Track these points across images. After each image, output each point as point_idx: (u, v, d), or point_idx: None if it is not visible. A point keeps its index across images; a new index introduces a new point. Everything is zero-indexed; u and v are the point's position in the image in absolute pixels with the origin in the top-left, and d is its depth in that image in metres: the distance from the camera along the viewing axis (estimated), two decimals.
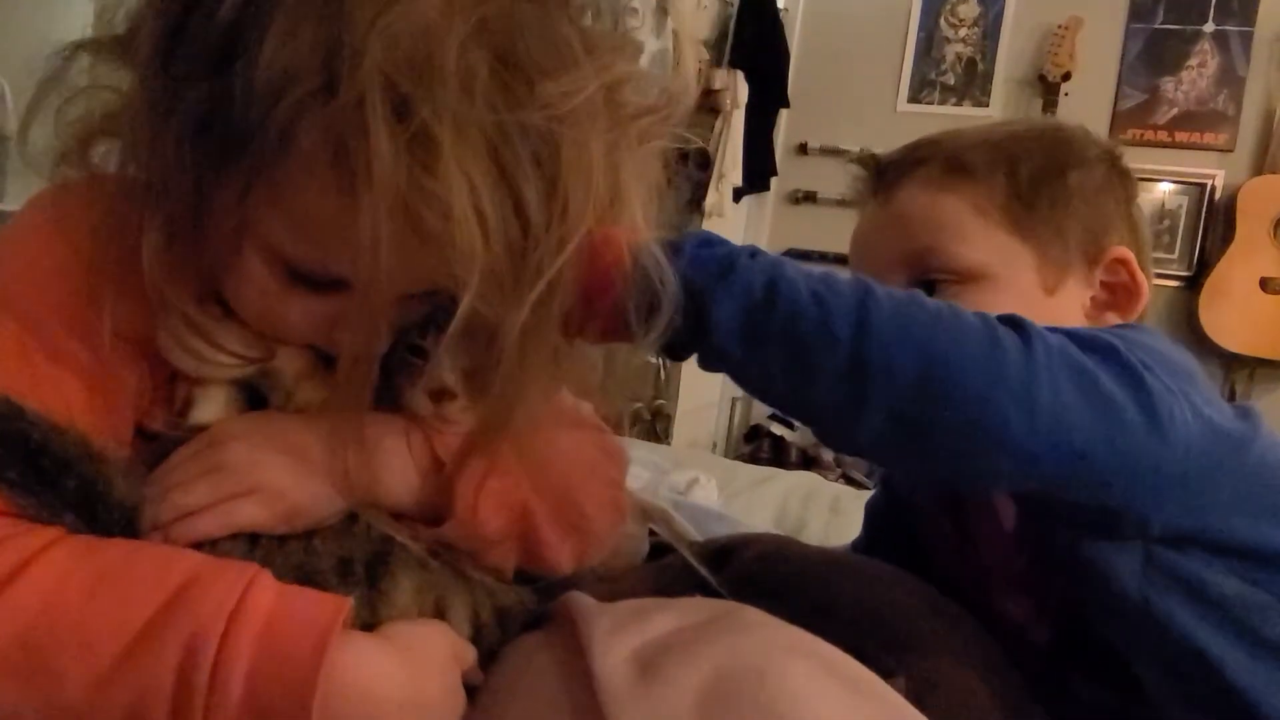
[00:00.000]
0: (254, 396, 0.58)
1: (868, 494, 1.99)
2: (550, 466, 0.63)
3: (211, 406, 0.56)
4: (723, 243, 0.60)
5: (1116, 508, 0.59)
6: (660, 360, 3.57)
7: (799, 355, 0.55)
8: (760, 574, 0.76)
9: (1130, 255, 0.76)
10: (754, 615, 0.57)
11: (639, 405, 3.48)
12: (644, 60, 2.99)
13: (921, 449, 0.57)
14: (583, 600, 0.61)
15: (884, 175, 0.80)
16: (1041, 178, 0.75)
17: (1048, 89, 3.21)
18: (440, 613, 0.57)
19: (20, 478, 0.46)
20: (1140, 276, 0.76)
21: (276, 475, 0.54)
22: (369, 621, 0.53)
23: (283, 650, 0.45)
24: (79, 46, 0.52)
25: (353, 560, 0.54)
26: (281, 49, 0.43)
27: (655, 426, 3.51)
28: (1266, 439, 0.63)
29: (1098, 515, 0.60)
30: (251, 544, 0.53)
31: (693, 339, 0.57)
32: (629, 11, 2.98)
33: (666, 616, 0.57)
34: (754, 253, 0.58)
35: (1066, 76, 3.20)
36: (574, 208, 0.47)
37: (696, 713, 0.48)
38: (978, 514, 0.78)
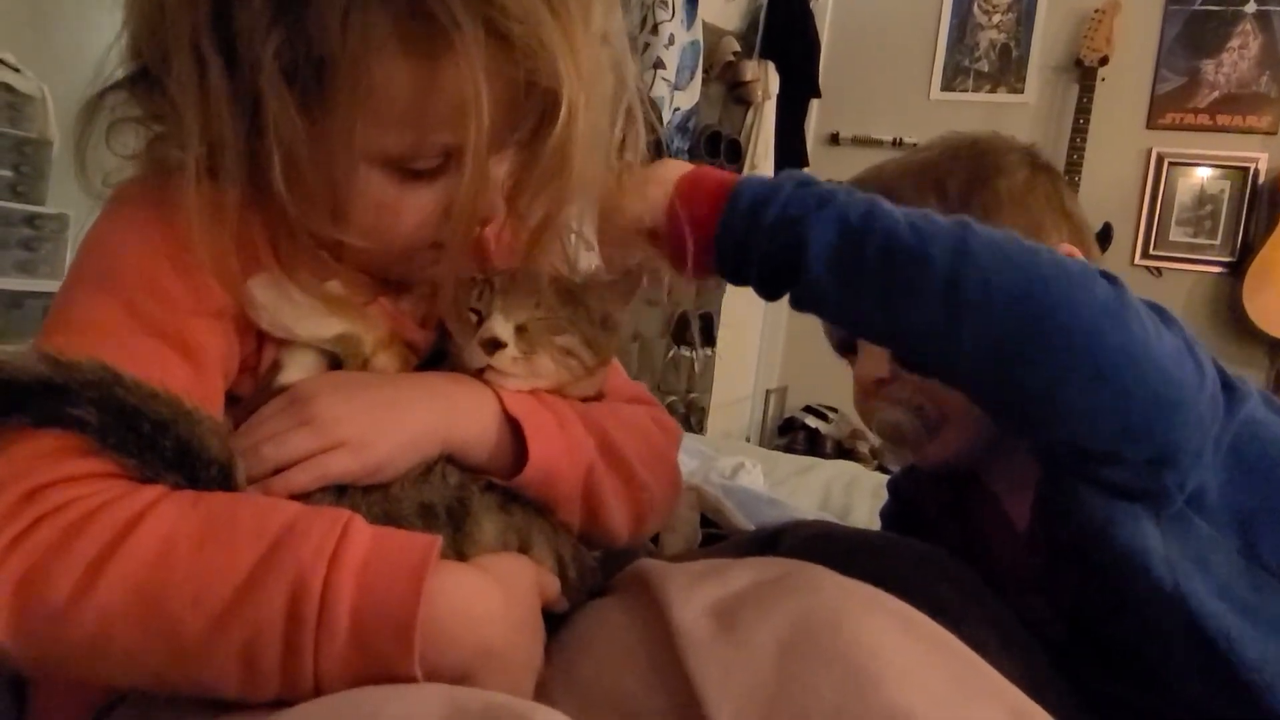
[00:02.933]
0: (335, 366, 0.60)
1: None
2: (604, 431, 0.66)
3: (298, 369, 0.58)
4: (821, 182, 0.63)
5: (1170, 459, 0.59)
6: (693, 353, 3.58)
7: (894, 283, 0.56)
8: (811, 552, 0.76)
9: (1074, 250, 0.75)
10: (826, 573, 0.57)
11: (673, 398, 3.48)
12: (675, 52, 2.99)
13: (1020, 380, 0.56)
14: (653, 563, 0.61)
15: None
16: (969, 191, 0.77)
17: (1084, 74, 3.17)
18: (524, 551, 0.59)
19: (122, 441, 0.48)
20: None
21: (362, 429, 0.55)
22: (455, 559, 0.55)
23: (382, 585, 0.47)
24: (104, 92, 0.56)
25: (434, 505, 0.56)
26: None
27: (689, 419, 3.51)
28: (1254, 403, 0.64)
29: (1145, 470, 0.59)
30: (339, 494, 0.54)
31: (790, 272, 0.59)
32: (660, 4, 2.98)
33: (742, 572, 0.57)
34: (851, 191, 0.61)
35: (1104, 61, 3.15)
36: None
37: (776, 663, 0.49)
38: (987, 519, 0.78)
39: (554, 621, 0.60)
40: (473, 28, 0.48)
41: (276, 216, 0.55)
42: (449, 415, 0.59)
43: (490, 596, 0.52)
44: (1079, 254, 0.75)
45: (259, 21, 0.49)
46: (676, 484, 0.74)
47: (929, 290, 0.56)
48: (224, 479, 0.51)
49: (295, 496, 0.53)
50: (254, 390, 0.58)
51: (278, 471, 0.54)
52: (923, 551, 0.74)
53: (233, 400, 0.58)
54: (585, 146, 0.55)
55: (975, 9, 3.47)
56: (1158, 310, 0.60)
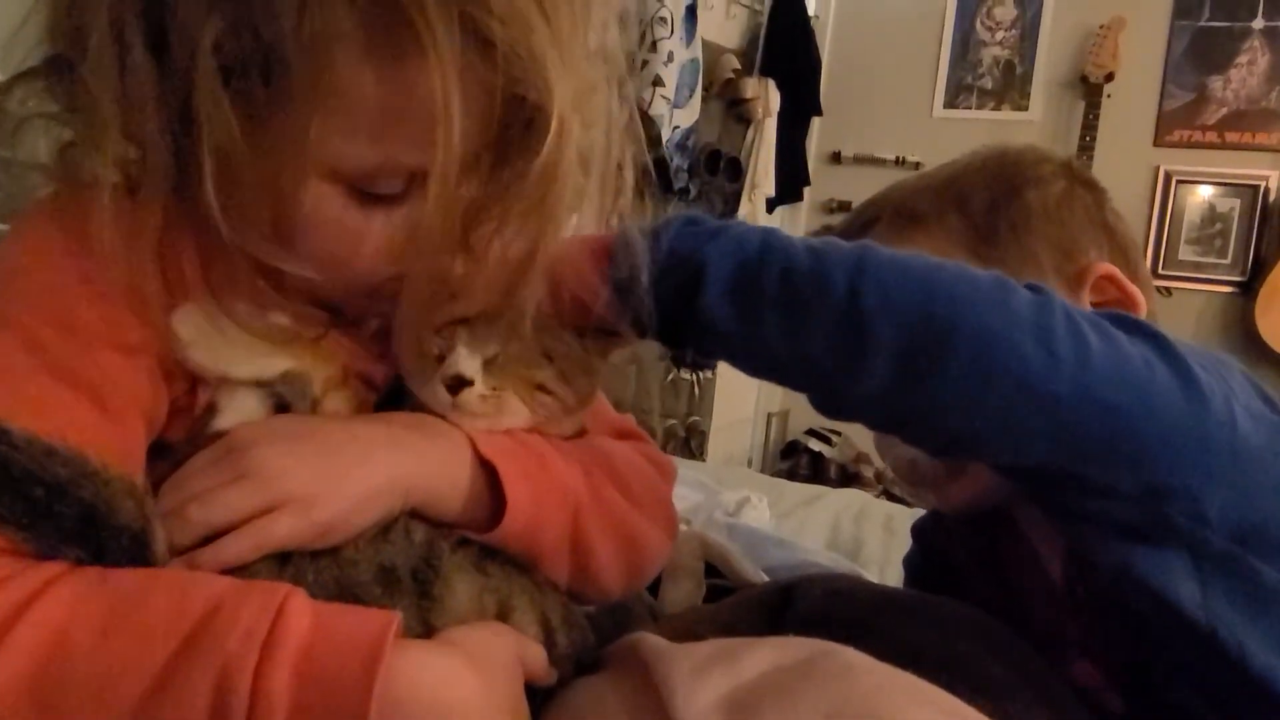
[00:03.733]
0: (281, 408, 0.52)
1: (919, 512, 1.93)
2: (590, 471, 0.59)
3: (236, 413, 0.50)
4: (709, 218, 0.60)
5: (1163, 487, 0.52)
6: (694, 375, 3.51)
7: (794, 307, 0.53)
8: (832, 613, 0.69)
9: (1113, 270, 0.70)
10: (857, 657, 0.49)
11: (673, 421, 3.40)
12: (674, 70, 2.94)
13: (932, 396, 0.52)
14: (655, 640, 0.53)
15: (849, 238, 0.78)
16: (995, 205, 0.72)
17: (1090, 90, 3.11)
18: (504, 617, 0.52)
19: (9, 511, 0.40)
20: (1131, 288, 0.70)
21: (309, 482, 0.48)
22: (423, 635, 0.47)
23: (328, 677, 0.39)
24: (23, 75, 0.48)
25: (396, 568, 0.48)
26: None
27: (689, 443, 3.43)
28: None
29: (1146, 504, 0.53)
30: (282, 562, 0.47)
31: (687, 313, 0.56)
32: (659, 21, 2.93)
33: (758, 656, 0.49)
34: (743, 223, 0.59)
35: (1109, 77, 3.10)
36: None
37: None
38: (1024, 570, 0.71)
39: (538, 697, 0.52)
40: (447, 27, 0.41)
41: (210, 238, 0.47)
42: (412, 462, 0.52)
43: (462, 680, 0.44)
44: (1117, 273, 0.69)
45: (196, 3, 0.42)
46: (672, 525, 0.67)
47: (829, 310, 0.52)
48: (138, 550, 0.43)
49: (231, 569, 0.45)
50: (184, 438, 0.50)
51: (209, 539, 0.46)
52: (960, 616, 0.66)
53: (163, 450, 0.50)
54: (574, 173, 0.48)
55: (978, 25, 3.42)
56: (1127, 323, 0.55)
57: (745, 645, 0.51)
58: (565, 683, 0.55)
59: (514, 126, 0.47)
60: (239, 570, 0.45)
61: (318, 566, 0.47)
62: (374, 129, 0.45)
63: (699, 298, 0.55)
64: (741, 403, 3.68)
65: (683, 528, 1.28)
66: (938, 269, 0.54)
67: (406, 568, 0.48)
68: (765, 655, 0.49)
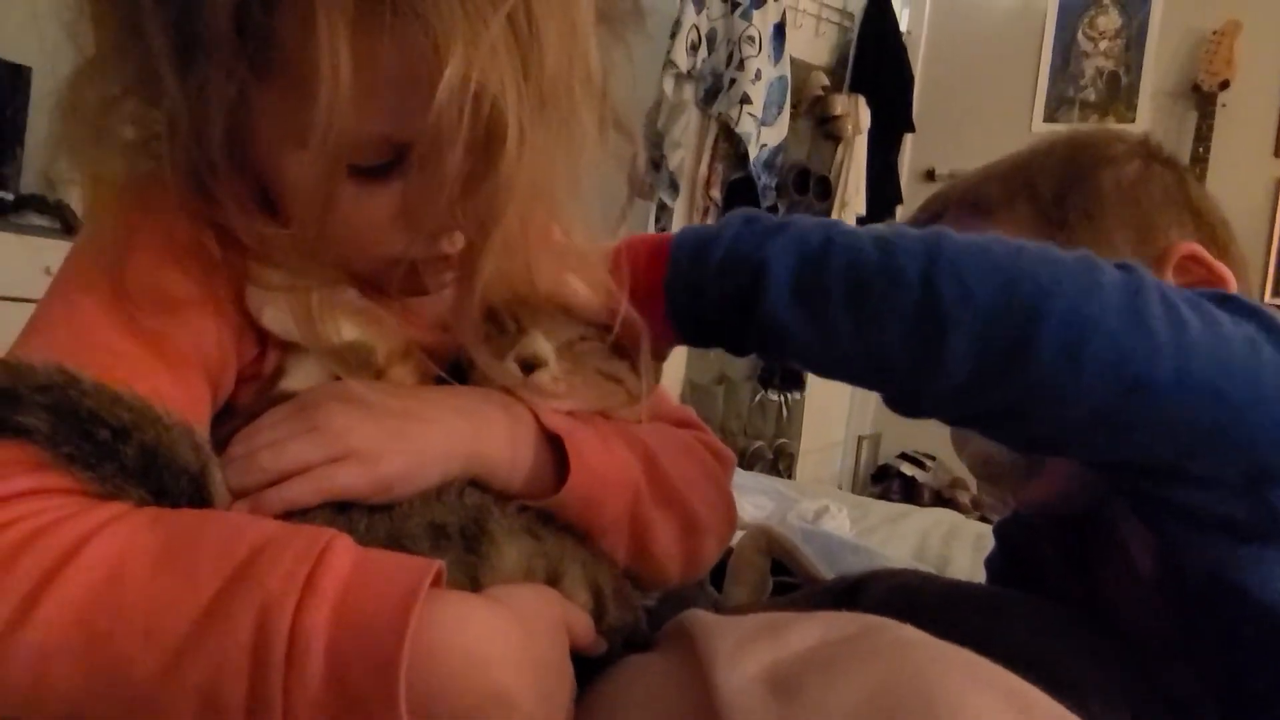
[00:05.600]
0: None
1: None
2: (652, 457, 0.59)
3: (303, 375, 0.52)
4: (769, 216, 0.57)
5: (1271, 477, 0.48)
6: (782, 396, 3.46)
7: (864, 303, 0.50)
8: (898, 607, 0.65)
9: (1197, 249, 0.64)
10: (911, 632, 0.47)
11: (760, 443, 3.36)
12: (761, 88, 2.94)
13: (1018, 388, 0.48)
14: (702, 615, 0.52)
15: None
16: (1066, 189, 0.67)
17: (1203, 99, 2.97)
18: (553, 582, 0.51)
19: (77, 451, 0.42)
20: (1219, 267, 0.63)
21: (375, 439, 0.49)
22: (469, 589, 0.47)
23: (363, 620, 0.39)
24: (74, 82, 0.49)
25: (445, 525, 0.48)
26: None
27: (777, 465, 3.38)
28: None
29: (1250, 497, 0.49)
30: (339, 511, 0.47)
31: (749, 315, 0.53)
32: (746, 40, 2.94)
33: (806, 630, 0.47)
34: (805, 218, 0.56)
35: (1224, 85, 2.95)
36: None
37: None
38: (1113, 571, 0.66)
39: (585, 674, 0.51)
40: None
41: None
42: (476, 431, 0.53)
43: (504, 633, 0.44)
44: (1202, 251, 0.64)
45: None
46: (732, 514, 0.66)
47: (902, 304, 0.49)
48: (196, 492, 0.44)
49: (292, 515, 0.46)
50: (255, 398, 0.52)
51: (274, 485, 0.47)
52: (1042, 610, 0.62)
53: (233, 413, 0.52)
54: (529, 160, 0.46)
55: (1080, 36, 3.30)
56: (1226, 301, 0.51)
57: (792, 619, 0.49)
58: (613, 660, 0.54)
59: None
60: (299, 516, 0.46)
61: (373, 520, 0.48)
62: (355, 101, 0.44)
63: (762, 300, 0.52)
64: (832, 425, 3.61)
65: (750, 523, 1.26)
66: (1018, 252, 0.50)
67: (456, 526, 0.48)
68: (812, 629, 0.47)
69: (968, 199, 0.71)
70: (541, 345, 0.56)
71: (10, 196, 2.40)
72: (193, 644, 0.38)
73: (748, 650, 0.45)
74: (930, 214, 0.73)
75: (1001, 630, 0.58)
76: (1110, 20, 3.25)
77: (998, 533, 0.82)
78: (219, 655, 0.38)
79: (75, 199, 2.52)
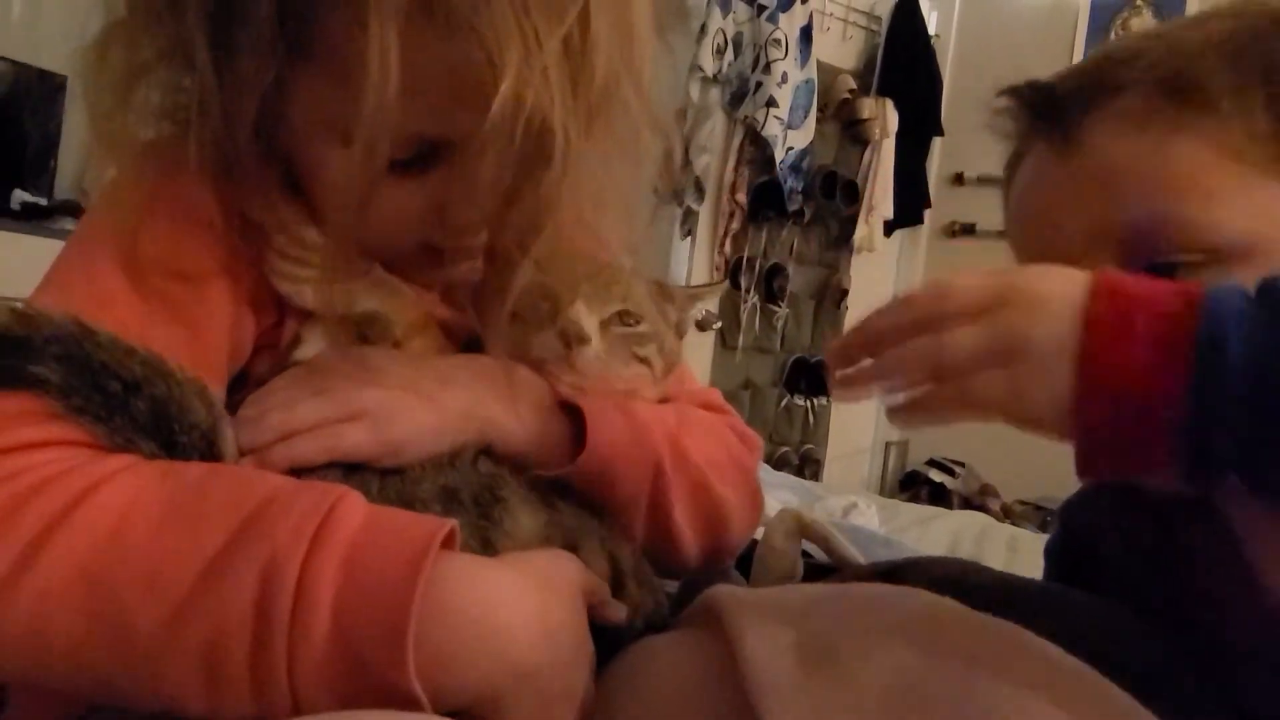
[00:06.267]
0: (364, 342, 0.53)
1: (1045, 537, 1.79)
2: (675, 437, 0.57)
3: (320, 344, 0.51)
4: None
5: None
6: (808, 402, 3.43)
7: None
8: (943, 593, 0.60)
9: None
10: (953, 607, 0.45)
11: (786, 449, 3.34)
12: (788, 91, 2.92)
13: None
14: (728, 589, 0.50)
15: (1061, 111, 0.55)
16: None
17: None
18: (571, 551, 0.49)
19: (88, 403, 0.41)
20: None
21: (386, 401, 0.48)
22: (483, 554, 0.45)
23: (371, 576, 0.38)
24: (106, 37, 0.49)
25: (458, 490, 0.47)
26: None
27: (804, 471, 3.35)
28: None
29: None
30: (349, 472, 0.47)
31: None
32: (773, 43, 2.93)
33: (838, 600, 0.45)
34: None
35: None
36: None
37: (880, 716, 0.37)
38: (1217, 572, 0.52)
39: (604, 652, 0.49)
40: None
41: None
42: (491, 398, 0.52)
43: (519, 598, 0.42)
44: None
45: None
46: (757, 498, 0.64)
47: None
48: (206, 447, 0.44)
49: (300, 474, 0.45)
50: (271, 366, 0.51)
51: (282, 440, 0.47)
52: (1090, 604, 0.55)
53: (248, 380, 0.52)
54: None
55: (1113, 38, 3.26)
56: None
57: (826, 591, 0.47)
58: (632, 637, 0.53)
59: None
60: (307, 474, 0.45)
61: (383, 482, 0.47)
62: (400, 100, 0.44)
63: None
64: (859, 431, 3.57)
65: (778, 506, 1.24)
66: None
67: (469, 492, 0.47)
68: (846, 600, 0.45)
69: (1176, 79, 0.51)
70: (587, 322, 0.55)
71: (45, 201, 2.43)
72: (196, 596, 0.37)
73: (776, 623, 0.43)
74: (1109, 84, 0.53)
75: (1057, 624, 0.51)
76: (1143, 21, 3.21)
77: (1062, 514, 0.70)
78: (223, 609, 0.37)
79: None
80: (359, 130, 0.43)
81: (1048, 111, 0.55)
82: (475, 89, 0.42)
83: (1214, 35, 0.52)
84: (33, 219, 2.34)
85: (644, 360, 0.58)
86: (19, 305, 0.41)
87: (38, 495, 0.38)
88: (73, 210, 2.48)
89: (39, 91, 2.47)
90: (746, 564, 0.83)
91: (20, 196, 2.38)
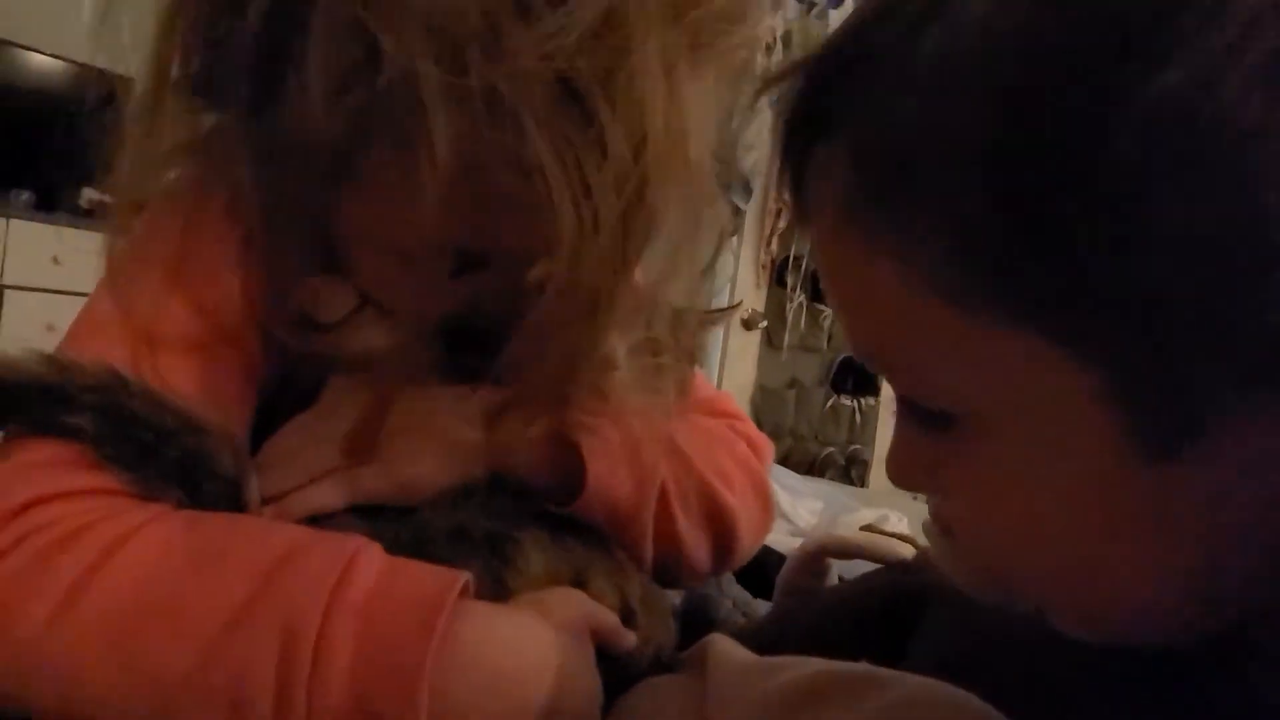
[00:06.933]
0: None
1: None
2: (680, 449, 0.58)
3: (341, 385, 0.53)
4: None
5: None
6: (855, 402, 3.39)
7: None
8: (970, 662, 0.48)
9: None
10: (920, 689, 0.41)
11: (832, 449, 3.31)
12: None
13: None
14: (720, 642, 0.51)
15: (788, 152, 0.36)
16: (1043, 173, 0.28)
17: None
18: (580, 587, 0.51)
19: (120, 452, 0.43)
20: None
21: (397, 443, 0.50)
22: (494, 596, 0.47)
23: (388, 630, 0.40)
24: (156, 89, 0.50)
25: (468, 529, 0.49)
26: (323, 48, 0.42)
27: (850, 472, 3.33)
28: None
29: None
30: (365, 517, 0.49)
31: None
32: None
33: (805, 665, 0.45)
34: None
35: None
36: (658, 149, 0.42)
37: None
38: None
39: (613, 686, 0.51)
40: (452, 167, 0.41)
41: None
42: (494, 429, 0.53)
43: (530, 645, 0.44)
44: None
45: (248, 89, 0.45)
46: (768, 504, 0.64)
47: None
48: (232, 497, 0.46)
49: (319, 520, 0.48)
50: (289, 409, 0.53)
51: (298, 489, 0.49)
52: None
53: (264, 416, 0.54)
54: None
55: None
56: None
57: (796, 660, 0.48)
58: (637, 675, 0.54)
59: None
60: (325, 521, 0.47)
61: (399, 524, 0.49)
62: (438, 214, 0.45)
63: None
64: None
65: (808, 517, 1.22)
66: None
67: (480, 530, 0.49)
68: (812, 664, 0.45)
69: (862, 150, 0.32)
70: (619, 348, 0.53)
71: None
72: (221, 648, 0.39)
73: (749, 680, 0.44)
74: (818, 113, 0.34)
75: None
76: None
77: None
78: (246, 662, 0.39)
79: None
80: (405, 240, 0.46)
81: (784, 132, 0.36)
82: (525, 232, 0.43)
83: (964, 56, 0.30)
84: (101, 217, 2.43)
85: (659, 392, 0.58)
86: (53, 354, 0.44)
87: (73, 545, 0.41)
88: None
89: (104, 92, 2.56)
90: (759, 579, 0.83)
91: (89, 195, 2.48)
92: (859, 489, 2.60)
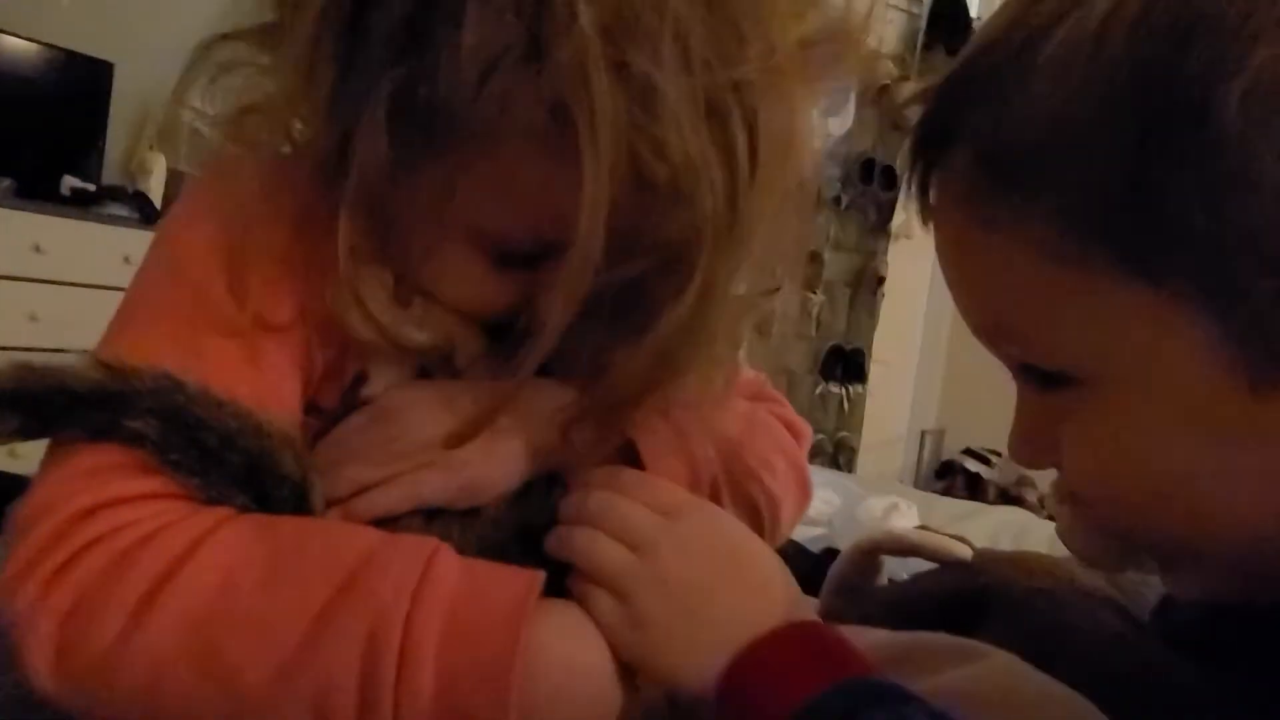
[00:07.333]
0: (425, 375, 0.54)
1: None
2: (726, 437, 0.58)
3: (384, 378, 0.52)
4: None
5: None
6: (843, 389, 3.42)
7: None
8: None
9: None
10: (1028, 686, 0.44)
11: (821, 436, 3.33)
12: None
13: None
14: None
15: (916, 158, 0.42)
16: (1161, 145, 0.33)
17: None
18: None
19: (184, 457, 0.42)
20: None
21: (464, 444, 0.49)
22: (558, 592, 0.47)
23: (473, 631, 0.40)
24: (224, 37, 0.49)
25: (534, 527, 0.49)
26: (484, 20, 0.41)
27: (838, 459, 3.35)
28: None
29: None
30: (429, 519, 0.48)
31: None
32: None
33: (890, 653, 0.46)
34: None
35: None
36: (773, 164, 0.44)
37: None
38: None
39: None
40: (611, 155, 0.41)
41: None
42: (553, 428, 0.52)
43: (599, 639, 0.44)
44: None
45: (389, 35, 0.43)
46: (806, 489, 0.65)
47: None
48: (298, 500, 0.45)
49: (383, 522, 0.47)
50: (337, 402, 0.52)
51: (362, 492, 0.48)
52: None
53: (313, 412, 0.53)
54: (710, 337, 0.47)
55: None
56: None
57: (879, 638, 0.48)
58: None
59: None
60: (390, 523, 0.47)
61: (464, 525, 0.48)
62: (521, 206, 0.46)
63: None
64: (894, 419, 3.56)
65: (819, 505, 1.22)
66: None
67: (544, 527, 0.49)
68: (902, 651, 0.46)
69: (994, 149, 0.38)
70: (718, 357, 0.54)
71: (93, 187, 2.48)
72: (303, 654, 0.39)
73: None
74: (946, 130, 0.40)
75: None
76: None
77: (1155, 614, 0.55)
78: (329, 667, 0.38)
79: (153, 190, 2.61)
80: (460, 223, 0.45)
81: (912, 150, 0.43)
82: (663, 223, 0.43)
83: (1064, 72, 0.35)
84: (82, 204, 2.40)
85: (711, 381, 0.58)
86: (108, 359, 0.43)
87: (143, 551, 0.40)
88: (119, 196, 2.54)
89: (88, 78, 2.51)
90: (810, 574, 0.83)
91: (70, 182, 2.44)
92: (854, 475, 2.62)
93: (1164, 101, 0.33)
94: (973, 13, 3.33)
